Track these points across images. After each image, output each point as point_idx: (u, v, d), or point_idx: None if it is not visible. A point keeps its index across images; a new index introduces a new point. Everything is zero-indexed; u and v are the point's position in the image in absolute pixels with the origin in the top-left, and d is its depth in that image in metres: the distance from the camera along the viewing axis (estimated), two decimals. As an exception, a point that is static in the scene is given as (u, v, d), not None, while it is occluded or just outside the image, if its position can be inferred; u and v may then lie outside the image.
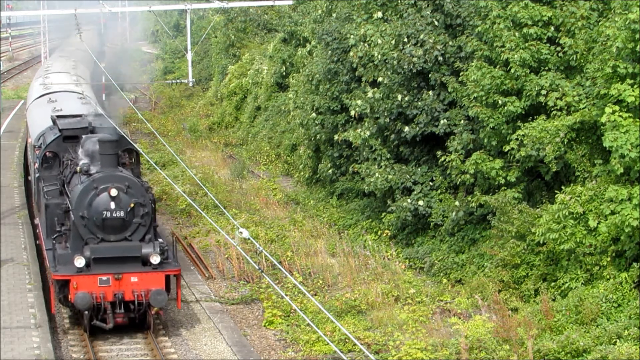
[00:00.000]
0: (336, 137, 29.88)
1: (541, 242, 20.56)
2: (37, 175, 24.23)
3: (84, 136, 23.02)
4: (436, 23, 26.07)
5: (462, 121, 24.78)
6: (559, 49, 22.63)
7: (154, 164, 31.19)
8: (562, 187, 21.10)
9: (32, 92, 38.37)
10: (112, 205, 20.48)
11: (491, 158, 22.98)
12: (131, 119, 48.22)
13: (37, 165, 24.35)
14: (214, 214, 29.91)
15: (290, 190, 35.35)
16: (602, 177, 20.26)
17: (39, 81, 39.60)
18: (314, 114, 32.21)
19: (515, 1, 23.08)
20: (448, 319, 21.15)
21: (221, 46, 55.61)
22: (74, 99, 31.89)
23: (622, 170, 19.17)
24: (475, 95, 22.94)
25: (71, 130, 24.05)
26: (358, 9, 30.12)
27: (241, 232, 16.73)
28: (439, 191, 25.76)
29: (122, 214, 20.55)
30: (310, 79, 33.16)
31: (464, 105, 23.89)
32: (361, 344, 18.35)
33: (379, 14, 28.38)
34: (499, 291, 21.30)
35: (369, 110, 27.76)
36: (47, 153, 24.00)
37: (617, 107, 19.32)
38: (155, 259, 20.41)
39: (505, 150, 22.35)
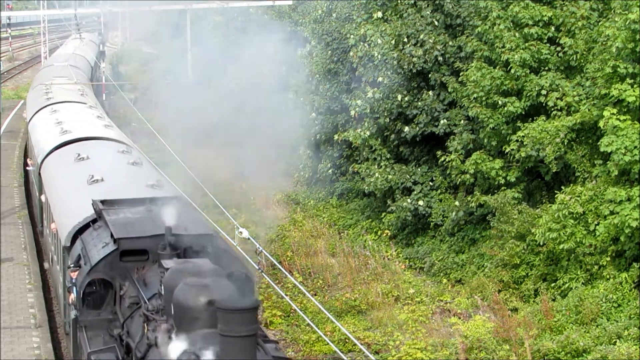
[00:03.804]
0: (336, 137, 29.89)
1: (541, 242, 20.57)
2: (73, 316, 14.42)
3: (169, 264, 12.35)
4: (436, 23, 26.08)
5: (462, 121, 24.79)
6: (559, 49, 22.64)
7: (154, 165, 31.12)
8: (562, 187, 21.11)
9: (41, 132, 27.42)
10: None
11: (491, 158, 22.99)
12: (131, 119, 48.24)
13: (72, 297, 14.48)
14: (214, 214, 29.89)
15: (290, 190, 35.36)
16: (602, 178, 20.27)
17: (48, 116, 29.27)
18: (314, 114, 32.20)
19: (516, 1, 23.09)
20: (448, 319, 21.15)
21: (221, 46, 55.54)
22: (115, 154, 21.88)
23: (616, 172, 19.23)
24: (475, 95, 22.95)
25: (135, 240, 14.10)
26: (358, 9, 30.12)
27: (241, 232, 16.66)
28: (439, 191, 25.76)
29: None
30: (310, 79, 33.16)
31: (464, 105, 23.90)
32: (361, 344, 18.33)
33: (379, 14, 28.37)
34: (499, 291, 21.30)
35: (369, 110, 27.76)
36: (94, 279, 14.13)
37: (615, 110, 19.35)
38: None
39: (506, 151, 22.37)
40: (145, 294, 12.90)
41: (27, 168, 29.98)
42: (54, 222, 18.48)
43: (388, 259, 25.44)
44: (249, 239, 13.45)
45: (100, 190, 17.66)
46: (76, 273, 14.42)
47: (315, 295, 23.51)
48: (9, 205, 30.57)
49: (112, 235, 14.26)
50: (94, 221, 15.94)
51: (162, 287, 11.97)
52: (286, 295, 22.45)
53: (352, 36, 28.50)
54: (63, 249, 16.39)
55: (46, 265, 22.66)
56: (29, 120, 32.74)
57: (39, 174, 23.75)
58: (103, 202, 16.05)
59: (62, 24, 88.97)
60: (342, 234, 28.47)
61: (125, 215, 15.29)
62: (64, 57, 47.74)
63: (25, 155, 36.79)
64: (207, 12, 49.47)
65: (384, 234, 26.97)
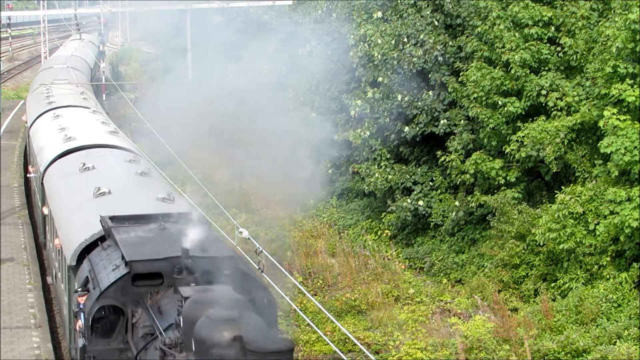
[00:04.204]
0: (336, 137, 29.88)
1: (541, 242, 20.57)
2: (80, 344, 13.10)
3: (187, 293, 11.67)
4: (436, 23, 26.09)
5: (462, 121, 24.80)
6: (559, 49, 22.65)
7: (154, 165, 31.09)
8: (562, 187, 21.11)
9: (43, 139, 26.25)
10: None
11: (491, 158, 22.99)
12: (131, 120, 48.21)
13: (80, 323, 13.28)
14: (214, 214, 29.86)
15: (290, 191, 35.30)
16: (602, 178, 20.27)
17: (50, 121, 28.22)
18: (314, 114, 32.19)
19: (516, 1, 23.10)
20: (448, 319, 21.15)
21: (221, 46, 55.51)
22: (122, 163, 20.92)
23: (616, 172, 19.24)
24: (475, 95, 22.96)
25: (148, 263, 12.94)
26: (358, 9, 30.12)
27: (241, 232, 16.63)
28: (439, 191, 25.76)
29: None
30: (310, 79, 33.14)
31: (464, 105, 23.91)
32: (361, 344, 18.33)
33: (379, 14, 28.38)
34: (499, 291, 21.30)
35: (368, 110, 27.76)
36: (103, 305, 12.94)
37: (615, 110, 19.36)
38: None
39: (506, 151, 22.38)
40: (161, 323, 11.90)
41: (29, 175, 29.35)
42: (58, 238, 17.38)
43: (388, 259, 25.43)
44: (249, 238, 13.44)
45: (108, 204, 16.65)
46: (84, 298, 13.27)
47: (315, 295, 23.50)
48: (9, 205, 30.57)
49: (123, 257, 13.12)
50: (102, 239, 14.78)
51: (181, 320, 11.04)
52: (286, 295, 22.42)
53: (352, 36, 28.51)
54: (68, 269, 15.26)
55: (49, 280, 22.10)
56: (30, 125, 31.74)
57: (42, 183, 22.75)
58: (112, 218, 14.87)
59: (62, 24, 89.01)
60: (342, 234, 28.46)
61: (136, 234, 14.17)
62: (63, 59, 46.71)
63: (26, 158, 36.72)
64: (207, 12, 49.50)
65: (384, 234, 26.97)
